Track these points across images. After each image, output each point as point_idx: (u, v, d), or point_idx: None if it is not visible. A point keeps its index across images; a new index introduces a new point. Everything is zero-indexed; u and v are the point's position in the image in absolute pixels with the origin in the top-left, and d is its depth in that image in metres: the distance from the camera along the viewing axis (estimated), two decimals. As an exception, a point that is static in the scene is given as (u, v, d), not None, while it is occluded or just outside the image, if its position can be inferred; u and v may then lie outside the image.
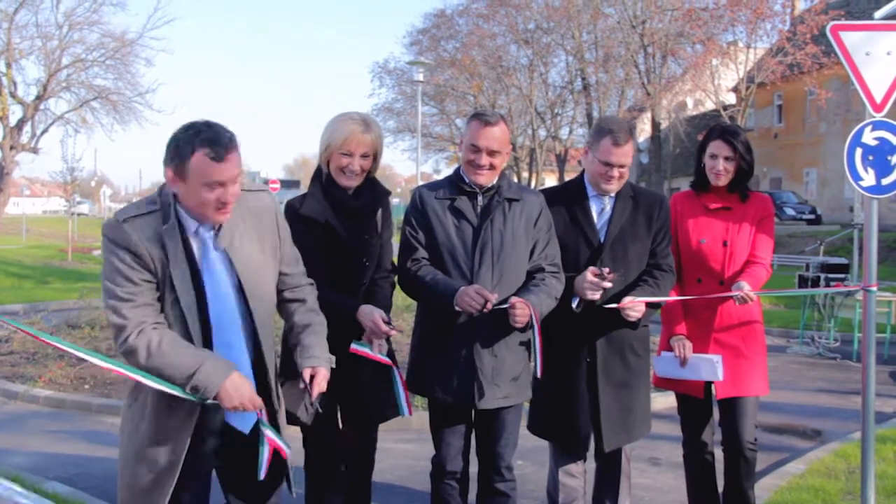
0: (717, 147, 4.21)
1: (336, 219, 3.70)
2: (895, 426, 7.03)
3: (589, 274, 3.75)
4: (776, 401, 7.96)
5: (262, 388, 2.99)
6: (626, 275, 3.88)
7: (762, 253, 4.26)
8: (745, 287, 4.05)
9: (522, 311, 3.52)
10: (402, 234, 3.87)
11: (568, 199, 4.00)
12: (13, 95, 34.54)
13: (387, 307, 3.79)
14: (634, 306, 3.80)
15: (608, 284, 3.74)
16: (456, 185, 3.80)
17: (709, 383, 4.29)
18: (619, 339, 3.97)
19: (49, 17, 41.46)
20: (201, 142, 2.71)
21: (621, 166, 3.86)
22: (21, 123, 34.65)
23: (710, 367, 4.14)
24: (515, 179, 46.14)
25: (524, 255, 3.75)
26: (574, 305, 3.83)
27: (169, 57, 77.78)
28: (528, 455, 6.14)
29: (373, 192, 3.81)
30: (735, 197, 4.27)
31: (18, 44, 34.28)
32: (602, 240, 3.92)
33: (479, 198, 3.77)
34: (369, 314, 3.63)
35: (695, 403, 4.36)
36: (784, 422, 7.61)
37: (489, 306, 3.51)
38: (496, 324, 3.63)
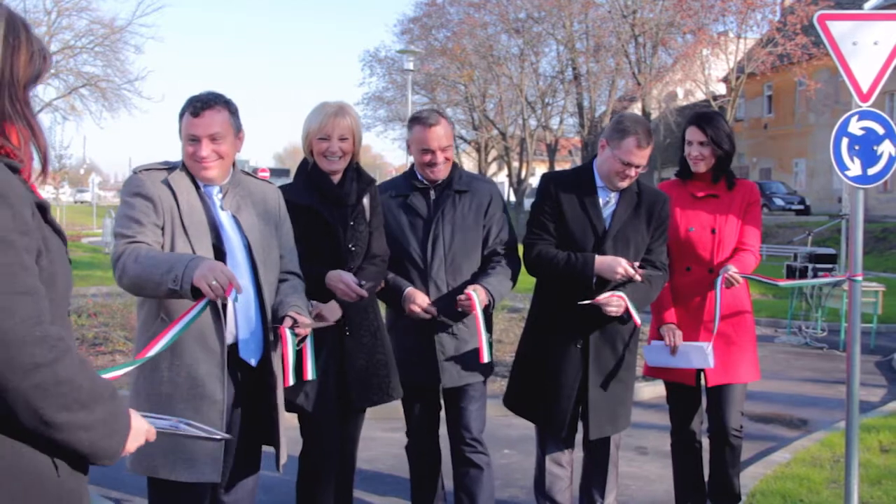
0: (691, 133, 4.26)
1: (322, 205, 3.73)
2: (880, 416, 7.06)
3: (624, 261, 3.83)
4: (763, 390, 7.99)
5: (264, 349, 3.20)
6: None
7: (750, 240, 4.30)
8: (731, 270, 4.08)
9: (467, 303, 3.84)
10: None
11: (578, 187, 4.04)
12: (0, 82, 34.33)
13: (374, 284, 3.80)
14: (611, 301, 3.79)
15: (637, 277, 3.84)
16: (409, 182, 4.06)
17: (699, 371, 4.30)
18: (613, 329, 3.98)
19: (37, 3, 41.08)
20: (189, 102, 3.15)
21: (639, 166, 3.91)
22: (9, 110, 34.44)
23: (701, 355, 4.15)
24: (506, 169, 46.16)
25: (476, 243, 4.03)
26: (583, 302, 3.82)
27: (158, 44, 77.46)
28: (515, 444, 6.16)
29: (357, 179, 3.84)
30: (721, 185, 4.29)
31: (6, 30, 34.08)
32: (606, 228, 3.96)
33: (432, 192, 4.02)
34: (337, 277, 3.62)
35: (684, 392, 4.38)
36: (771, 411, 7.65)
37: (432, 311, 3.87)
38: (454, 306, 3.89)
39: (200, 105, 3.10)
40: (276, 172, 41.36)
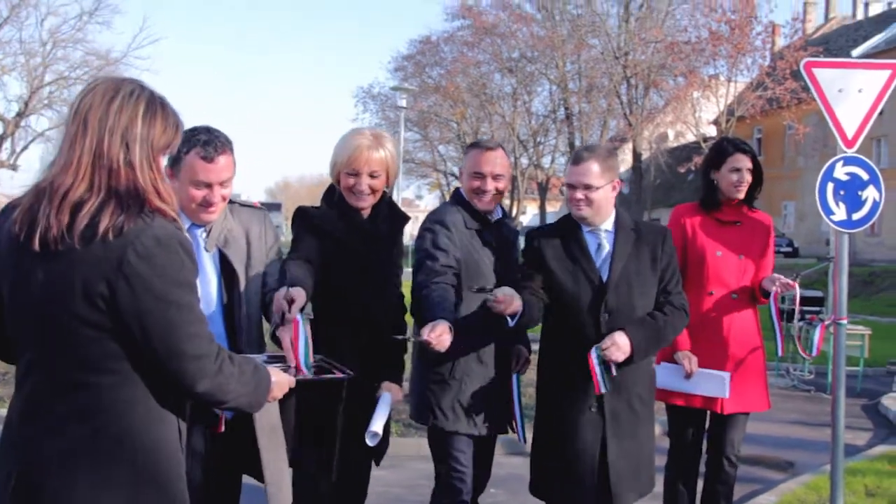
0: (739, 160, 4.26)
1: (351, 238, 3.40)
2: (866, 459, 7.06)
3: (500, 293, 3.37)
4: (750, 432, 7.85)
5: None
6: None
7: (770, 271, 4.35)
8: (780, 278, 4.12)
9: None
10: (423, 250, 3.66)
11: (561, 236, 3.68)
12: (-6, 112, 34.38)
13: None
14: (616, 347, 3.43)
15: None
16: (472, 211, 3.75)
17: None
18: (627, 385, 3.58)
19: (33, 34, 41.34)
20: (196, 143, 2.91)
21: (586, 187, 3.52)
22: (1, 140, 34.46)
23: (719, 384, 4.12)
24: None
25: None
26: (511, 324, 3.46)
27: (153, 77, 78.00)
28: (502, 483, 6.12)
29: (390, 217, 3.54)
30: (743, 211, 4.33)
31: (1, 60, 34.20)
32: (605, 279, 3.56)
33: (492, 228, 3.81)
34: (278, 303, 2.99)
35: (693, 416, 4.32)
36: (757, 453, 7.61)
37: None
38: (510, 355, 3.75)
39: (213, 150, 2.89)
40: (267, 206, 41.31)
